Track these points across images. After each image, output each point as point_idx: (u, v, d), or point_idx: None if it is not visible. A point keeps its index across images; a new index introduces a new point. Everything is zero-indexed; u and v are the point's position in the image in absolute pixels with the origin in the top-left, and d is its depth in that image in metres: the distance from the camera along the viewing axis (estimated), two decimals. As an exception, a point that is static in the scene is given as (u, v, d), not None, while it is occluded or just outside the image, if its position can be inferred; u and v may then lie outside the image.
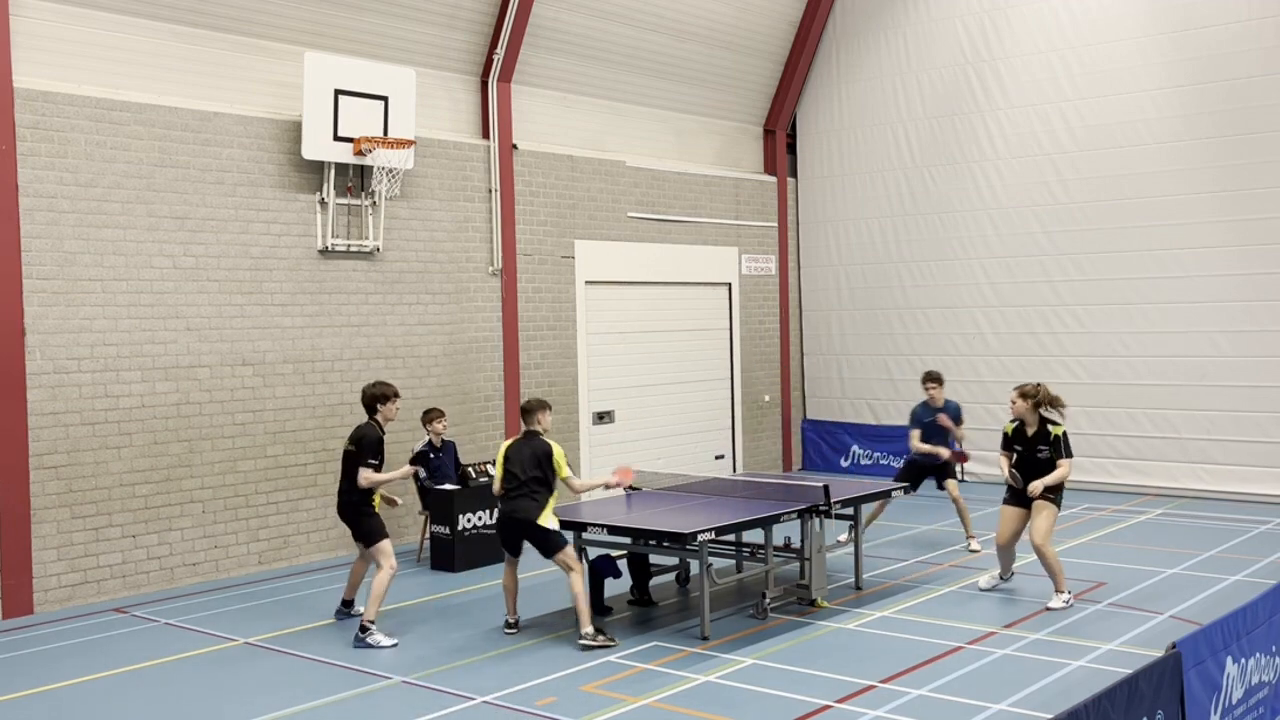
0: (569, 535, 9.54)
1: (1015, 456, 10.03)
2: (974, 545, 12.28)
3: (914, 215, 17.86)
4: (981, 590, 10.52)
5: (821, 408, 19.11)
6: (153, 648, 9.43)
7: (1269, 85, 14.63)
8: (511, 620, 9.56)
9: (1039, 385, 10.12)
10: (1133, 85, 15.67)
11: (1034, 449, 9.89)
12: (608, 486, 9.89)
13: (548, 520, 9.17)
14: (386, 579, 9.34)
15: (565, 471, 9.31)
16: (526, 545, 9.40)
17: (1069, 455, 9.84)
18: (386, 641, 9.20)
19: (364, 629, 9.23)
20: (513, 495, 9.24)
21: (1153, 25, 15.50)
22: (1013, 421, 10.13)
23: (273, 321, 12.44)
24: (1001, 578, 10.61)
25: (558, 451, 9.30)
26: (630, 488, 10.94)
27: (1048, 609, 9.80)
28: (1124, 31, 15.74)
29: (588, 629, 9.00)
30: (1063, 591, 9.91)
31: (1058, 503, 9.88)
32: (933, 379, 12.83)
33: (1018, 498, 10.03)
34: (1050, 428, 9.89)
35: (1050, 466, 9.77)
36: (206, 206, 11.94)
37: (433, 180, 13.91)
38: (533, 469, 9.19)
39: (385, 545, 9.48)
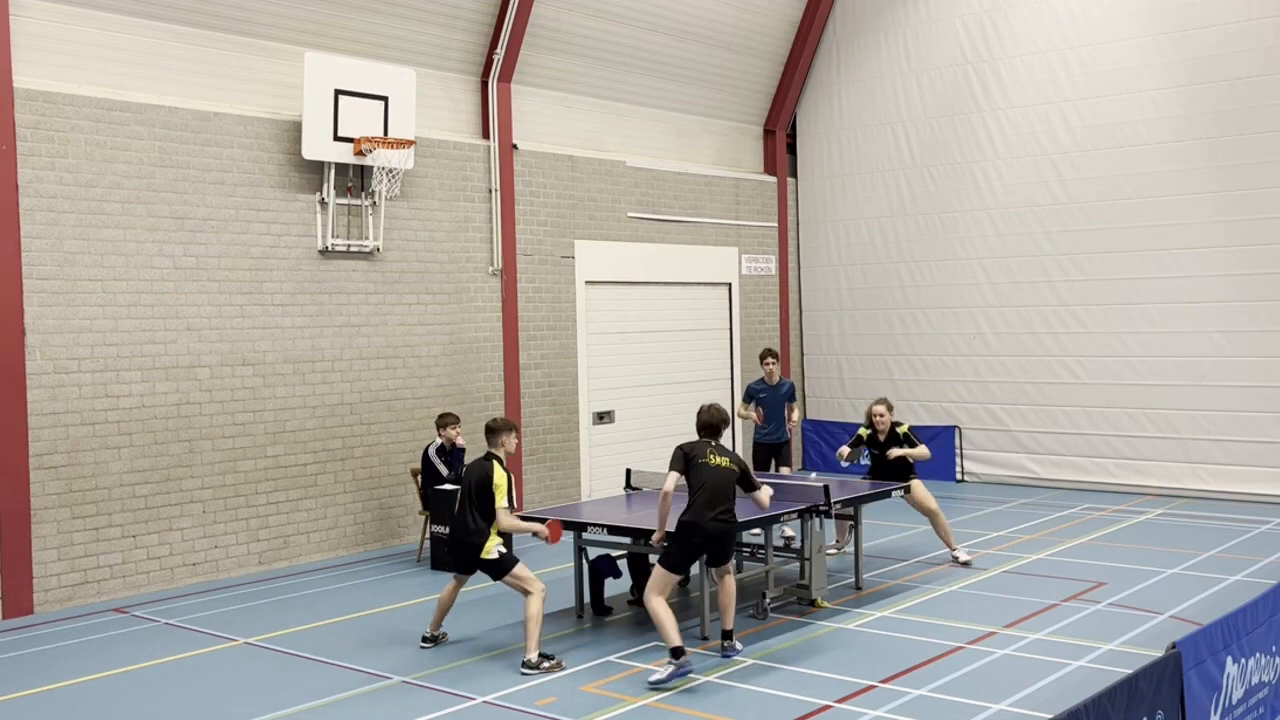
0: (568, 535, 9.53)
1: (868, 455, 11.95)
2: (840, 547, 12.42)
3: (914, 215, 17.86)
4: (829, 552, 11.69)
5: (821, 408, 19.11)
6: (153, 648, 9.43)
7: (1269, 85, 14.63)
8: (430, 634, 9.22)
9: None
10: (1133, 85, 15.67)
11: (885, 450, 11.70)
12: (535, 534, 9.07)
13: (490, 552, 8.67)
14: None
15: (501, 500, 8.65)
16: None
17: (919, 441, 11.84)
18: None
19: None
20: (458, 516, 8.85)
21: (1153, 25, 15.50)
22: (868, 429, 11.86)
23: (273, 321, 12.44)
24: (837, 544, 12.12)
25: (498, 477, 8.68)
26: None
27: (963, 563, 11.44)
28: (1124, 31, 15.74)
29: (532, 655, 8.49)
30: (956, 549, 11.63)
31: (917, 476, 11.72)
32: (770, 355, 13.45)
33: (882, 475, 11.79)
34: (897, 429, 11.74)
35: (900, 464, 11.63)
36: (206, 206, 11.94)
37: (433, 180, 13.91)
38: (476, 493, 8.73)
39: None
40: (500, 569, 8.73)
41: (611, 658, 8.75)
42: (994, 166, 16.98)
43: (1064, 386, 16.48)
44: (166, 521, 11.58)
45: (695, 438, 8.89)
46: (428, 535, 12.42)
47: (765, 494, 8.96)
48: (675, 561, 8.56)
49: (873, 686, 7.93)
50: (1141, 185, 15.62)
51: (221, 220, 12.06)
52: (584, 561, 10.03)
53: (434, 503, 12.17)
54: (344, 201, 12.99)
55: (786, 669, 8.38)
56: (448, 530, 9.16)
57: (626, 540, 9.63)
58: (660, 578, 8.49)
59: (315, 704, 7.92)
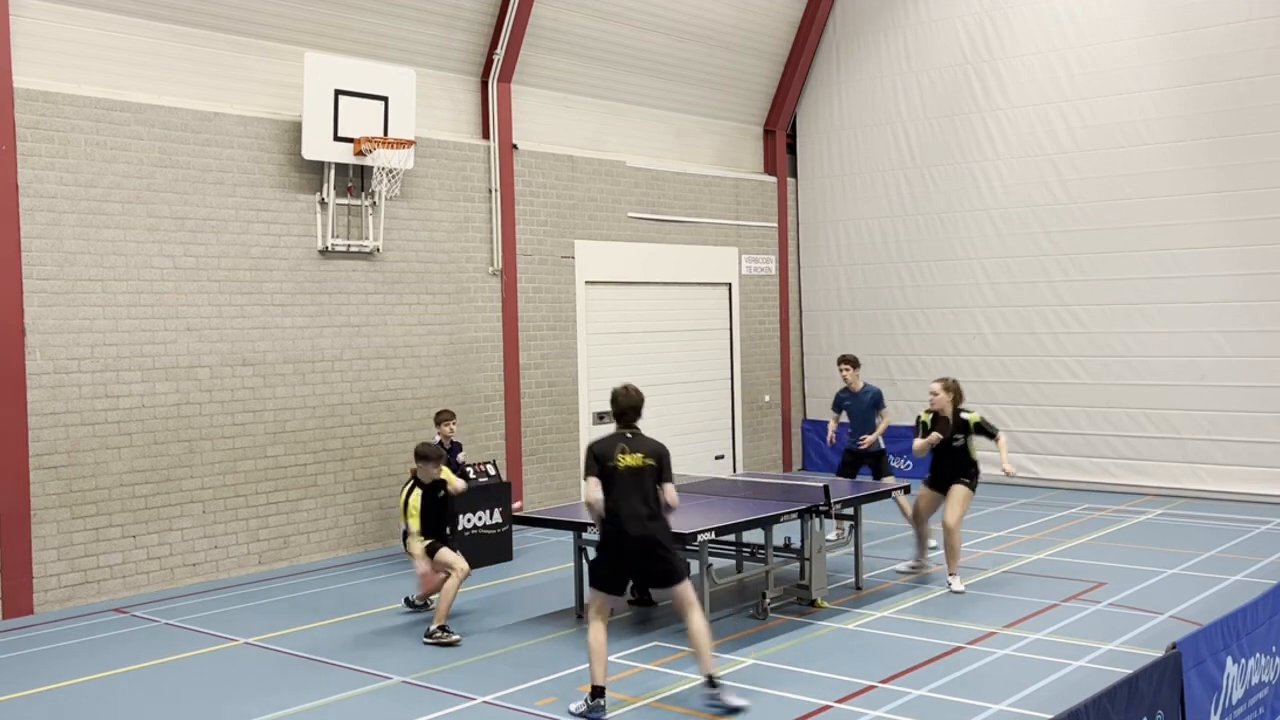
0: (568, 535, 9.52)
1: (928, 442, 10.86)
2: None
3: (914, 215, 17.86)
4: (900, 573, 11.27)
5: (822, 408, 19.08)
6: (153, 648, 9.43)
7: (1269, 85, 14.63)
8: (413, 598, 10.37)
9: (955, 379, 11.02)
10: (1133, 85, 15.67)
11: (950, 438, 10.72)
12: (417, 568, 9.55)
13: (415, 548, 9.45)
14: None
15: (413, 526, 9.46)
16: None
17: (997, 430, 10.92)
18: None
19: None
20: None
21: (1153, 25, 15.50)
22: (929, 412, 10.91)
23: (273, 321, 12.44)
24: (917, 559, 11.41)
25: (411, 503, 9.48)
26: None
27: (950, 590, 10.53)
28: (1124, 31, 15.74)
29: (435, 626, 9.36)
30: (955, 575, 10.67)
31: (972, 487, 10.75)
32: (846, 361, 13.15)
33: (936, 482, 10.89)
34: (965, 415, 10.77)
35: (964, 453, 10.70)
36: (206, 207, 11.94)
37: (433, 180, 13.91)
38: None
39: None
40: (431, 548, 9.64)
41: (611, 658, 8.73)
42: (994, 166, 16.98)
43: (1064, 386, 16.48)
44: (166, 521, 11.58)
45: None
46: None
47: (669, 492, 7.69)
48: (602, 578, 7.64)
49: (873, 686, 7.93)
50: (1141, 185, 15.62)
51: (221, 220, 12.06)
52: (584, 561, 10.01)
53: (434, 503, 12.17)
54: (344, 201, 12.99)
55: (786, 669, 8.37)
56: None
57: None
58: (593, 599, 7.71)
59: (315, 704, 7.92)
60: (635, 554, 7.54)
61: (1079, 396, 16.33)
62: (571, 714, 7.50)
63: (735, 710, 7.47)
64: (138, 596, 11.23)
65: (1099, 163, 15.97)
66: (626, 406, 7.86)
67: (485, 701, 7.86)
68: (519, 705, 7.76)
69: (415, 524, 9.41)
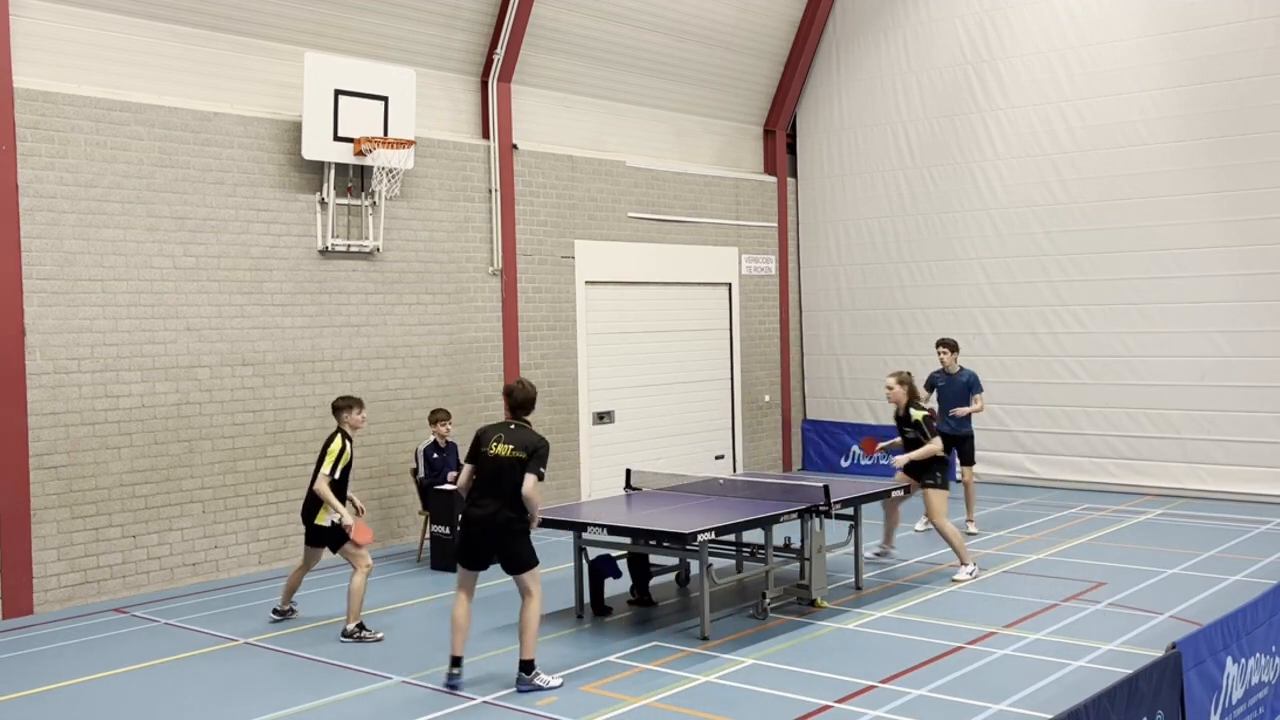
0: (567, 535, 9.52)
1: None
2: (972, 528, 12.71)
3: (914, 215, 17.86)
4: (871, 557, 11.63)
5: (821, 408, 19.11)
6: (153, 648, 9.43)
7: (1269, 85, 14.63)
8: (280, 608, 10.17)
9: (909, 372, 11.46)
10: (1133, 85, 15.67)
11: (902, 429, 11.24)
12: (339, 519, 9.36)
13: (323, 519, 9.39)
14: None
15: (325, 468, 9.34)
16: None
17: (933, 435, 11.06)
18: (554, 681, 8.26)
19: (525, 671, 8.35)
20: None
21: (1153, 25, 15.50)
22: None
23: (273, 321, 12.44)
24: (882, 545, 11.90)
25: (332, 446, 9.41)
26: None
27: (954, 580, 10.79)
28: (1124, 31, 15.74)
29: (351, 625, 9.35)
30: (966, 564, 10.93)
31: (941, 483, 11.01)
32: (944, 344, 13.46)
33: (907, 469, 11.22)
34: (912, 411, 11.12)
35: (917, 445, 11.03)
36: (206, 207, 11.94)
37: (433, 180, 13.91)
38: (317, 461, 9.53)
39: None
40: (334, 540, 9.46)
41: (611, 658, 8.74)
42: (994, 166, 16.98)
43: (1064, 386, 16.48)
44: (166, 521, 11.58)
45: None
46: (428, 535, 12.42)
47: (528, 484, 7.93)
48: (457, 555, 8.30)
49: (873, 686, 7.93)
50: (1141, 185, 15.62)
51: (221, 220, 12.06)
52: (584, 561, 10.02)
53: (434, 502, 12.18)
54: (344, 201, 12.99)
55: (786, 669, 8.37)
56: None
57: (626, 540, 9.63)
58: (458, 573, 8.31)
59: (315, 704, 7.92)
60: (479, 534, 8.08)
61: (1079, 396, 16.33)
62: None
63: (537, 689, 8.02)
64: (138, 596, 11.23)
65: (1099, 163, 15.97)
66: (521, 400, 8.29)
67: (485, 701, 7.87)
68: (519, 705, 7.76)
69: (327, 466, 9.32)
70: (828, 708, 7.56)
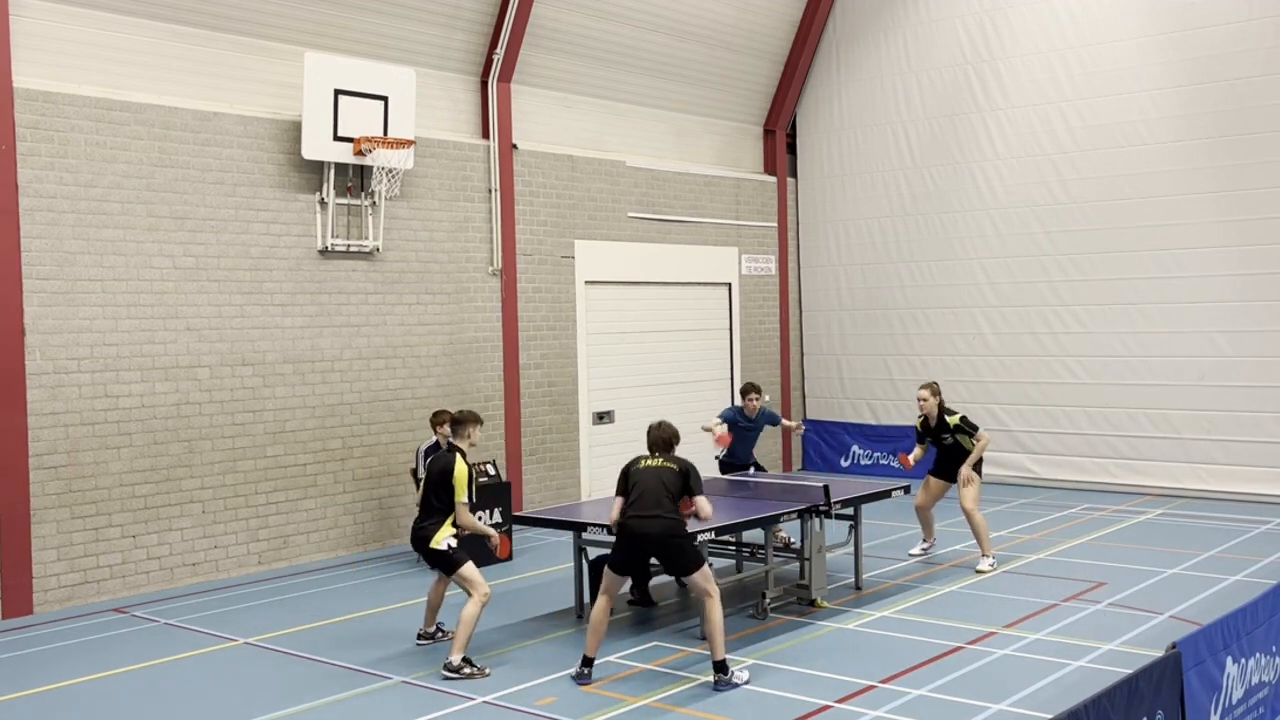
0: (567, 535, 9.52)
1: (926, 445, 11.77)
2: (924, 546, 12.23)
3: (914, 215, 17.86)
4: (911, 555, 11.84)
5: (821, 408, 19.11)
6: (153, 648, 9.43)
7: (1269, 85, 14.63)
8: (424, 630, 9.33)
9: (937, 383, 11.95)
10: (1133, 85, 15.67)
11: (939, 437, 11.55)
12: (488, 539, 8.96)
13: (439, 543, 8.60)
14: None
15: (462, 496, 8.61)
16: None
17: (978, 429, 11.52)
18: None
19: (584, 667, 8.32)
20: (421, 508, 8.89)
21: (1153, 25, 15.50)
22: (920, 417, 11.68)
23: (273, 321, 12.43)
24: (924, 542, 12.02)
25: (459, 471, 8.62)
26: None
27: (977, 571, 11.12)
28: (1124, 31, 15.74)
29: (455, 658, 8.40)
30: (988, 555, 11.28)
31: (978, 472, 11.43)
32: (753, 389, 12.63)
33: (940, 471, 11.71)
34: (947, 418, 11.47)
35: (956, 448, 11.44)
36: (206, 206, 11.94)
37: (433, 180, 13.90)
38: (437, 484, 8.69)
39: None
40: (449, 564, 8.68)
41: (612, 658, 8.74)
42: (994, 166, 16.98)
43: (1064, 386, 16.48)
44: (166, 521, 11.58)
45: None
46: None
47: (701, 505, 8.38)
48: (616, 563, 8.34)
49: (873, 686, 7.93)
50: (1141, 185, 15.62)
51: (221, 220, 12.06)
52: (584, 561, 10.02)
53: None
54: (344, 201, 12.99)
55: (786, 669, 8.37)
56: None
57: (626, 540, 9.60)
58: (604, 577, 8.40)
59: (315, 704, 7.92)
60: (644, 541, 8.30)
61: (1079, 396, 16.33)
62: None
63: (733, 687, 8.04)
64: (137, 596, 11.23)
65: (1099, 163, 15.97)
66: (659, 439, 8.70)
67: (485, 701, 7.86)
68: (519, 705, 7.76)
69: (463, 494, 8.61)
70: (828, 708, 7.55)
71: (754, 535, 10.38)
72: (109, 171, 11.24)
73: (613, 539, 9.55)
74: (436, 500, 8.70)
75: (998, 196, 16.96)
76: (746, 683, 8.03)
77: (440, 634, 9.31)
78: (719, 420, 12.07)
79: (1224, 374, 15.11)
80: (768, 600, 9.83)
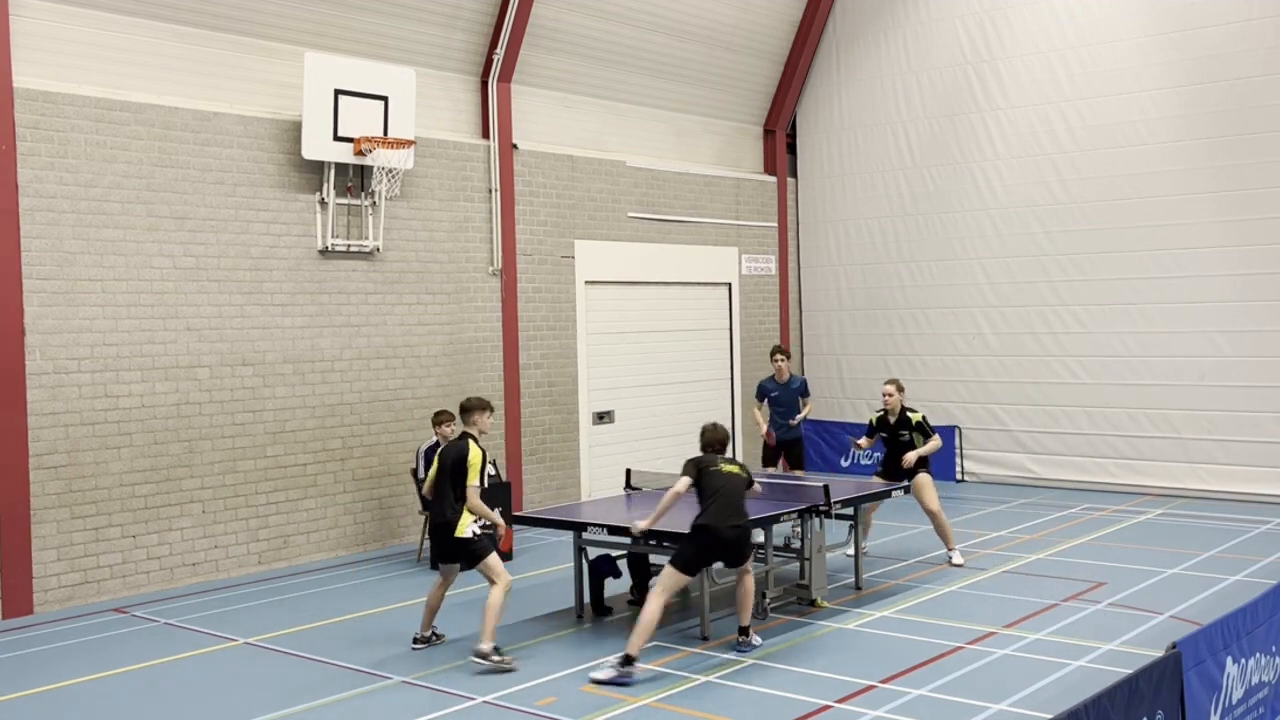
0: (567, 535, 9.51)
1: (882, 440, 11.93)
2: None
3: (914, 215, 17.86)
4: (849, 556, 11.38)
5: (821, 408, 19.07)
6: (153, 648, 9.43)
7: (1269, 85, 14.63)
8: (421, 635, 9.16)
9: (900, 380, 12.16)
10: (1133, 85, 15.67)
11: (897, 434, 11.69)
12: (494, 525, 8.85)
13: (464, 530, 8.61)
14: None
15: (473, 480, 8.60)
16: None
17: (935, 432, 11.80)
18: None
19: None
20: (437, 499, 8.84)
21: (1153, 25, 15.50)
22: (880, 412, 11.88)
23: (273, 321, 12.44)
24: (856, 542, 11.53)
25: (473, 455, 8.63)
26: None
27: (952, 564, 11.45)
28: (1124, 31, 15.74)
29: (486, 645, 8.43)
30: (954, 549, 11.64)
31: (931, 473, 11.70)
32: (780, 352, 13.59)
33: (888, 472, 11.77)
34: (910, 414, 11.69)
35: (909, 447, 11.54)
36: (206, 206, 11.94)
37: (433, 180, 13.91)
38: (452, 472, 8.70)
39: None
40: (473, 553, 8.67)
41: (612, 658, 8.73)
42: (994, 166, 16.98)
43: (1064, 386, 16.48)
44: (166, 521, 11.58)
45: (695, 437, 9.13)
46: (428, 535, 12.39)
47: (758, 488, 9.33)
48: (689, 563, 8.58)
49: (873, 686, 7.93)
50: (1141, 185, 15.62)
51: (221, 220, 12.06)
52: (584, 561, 10.02)
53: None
54: (344, 201, 12.99)
55: (786, 669, 8.37)
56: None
57: (626, 540, 9.61)
58: (671, 578, 8.52)
59: (315, 704, 7.92)
60: (728, 545, 8.70)
61: (1079, 396, 16.33)
62: (594, 679, 8.16)
63: (752, 648, 8.90)
64: (138, 596, 11.23)
65: (1099, 163, 15.97)
66: (715, 440, 9.04)
67: (485, 701, 7.86)
68: (519, 705, 7.76)
69: (475, 478, 8.58)
70: (828, 708, 7.55)
71: (753, 535, 10.36)
72: (109, 171, 11.24)
73: (611, 538, 9.58)
74: (454, 489, 8.69)
75: (998, 196, 16.96)
76: (757, 647, 8.80)
77: (435, 638, 9.28)
78: (762, 409, 13.26)
79: (1224, 374, 15.11)
80: (768, 600, 9.83)
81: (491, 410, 9.11)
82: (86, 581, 11.02)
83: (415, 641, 9.21)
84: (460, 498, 8.67)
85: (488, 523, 8.79)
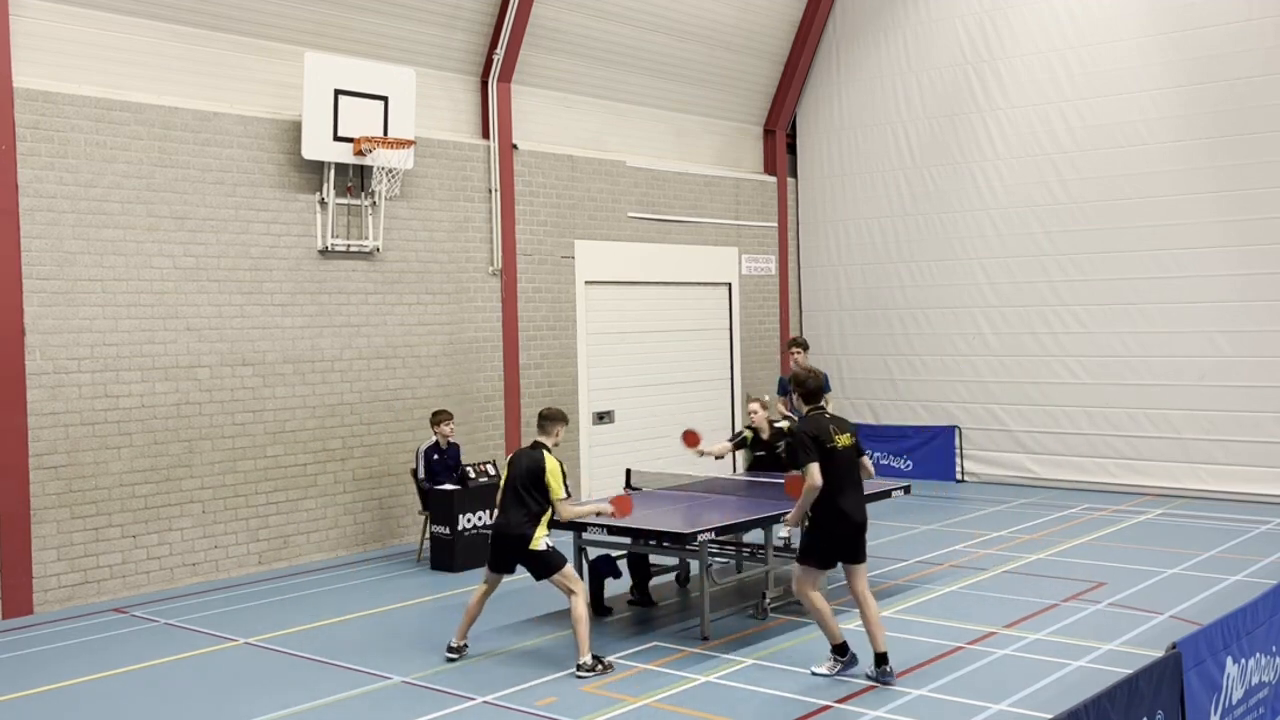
0: (567, 535, 9.50)
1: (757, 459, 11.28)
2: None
3: (914, 215, 17.86)
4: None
5: (821, 408, 19.08)
6: (153, 648, 9.43)
7: (1269, 85, 14.63)
8: (455, 644, 8.84)
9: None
10: (1133, 85, 15.67)
11: (773, 447, 11.09)
12: (599, 515, 8.91)
13: (539, 543, 8.45)
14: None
15: (560, 492, 8.43)
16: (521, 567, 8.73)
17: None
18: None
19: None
20: (505, 509, 8.60)
21: (1153, 25, 15.50)
22: (750, 430, 11.25)
23: (273, 321, 12.44)
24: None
25: (550, 465, 8.42)
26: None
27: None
28: (1124, 31, 15.74)
29: (585, 658, 8.31)
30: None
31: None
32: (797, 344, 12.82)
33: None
34: (779, 425, 11.12)
35: (782, 461, 10.83)
36: (206, 206, 11.94)
37: (433, 180, 13.91)
38: (528, 483, 8.46)
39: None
40: (548, 565, 8.50)
41: (611, 658, 8.73)
42: (994, 166, 16.98)
43: (1064, 386, 16.48)
44: (166, 521, 11.58)
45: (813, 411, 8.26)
46: (428, 535, 12.41)
47: (869, 466, 8.50)
48: (823, 555, 8.11)
49: (873, 687, 7.93)
50: (1141, 185, 15.62)
51: (221, 220, 12.06)
52: (584, 561, 10.02)
53: (434, 502, 12.18)
54: (344, 201, 12.99)
55: (786, 669, 8.37)
56: (492, 526, 8.95)
57: (626, 540, 9.62)
58: (808, 574, 8.12)
59: (315, 704, 7.92)
60: (859, 530, 8.13)
61: (1079, 396, 16.33)
62: (815, 672, 8.12)
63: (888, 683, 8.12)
64: (138, 596, 11.23)
65: (1099, 163, 15.97)
66: (818, 386, 8.26)
67: (485, 701, 7.86)
68: (519, 705, 7.76)
69: (561, 489, 8.45)
70: (828, 708, 7.55)
71: (754, 535, 10.36)
72: (109, 171, 11.24)
73: (611, 538, 9.56)
74: (531, 500, 8.45)
75: (998, 196, 16.96)
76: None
77: (464, 649, 8.91)
78: (784, 401, 12.38)
79: (1224, 374, 15.11)
80: (768, 600, 9.83)
81: (567, 422, 8.93)
82: (86, 581, 11.02)
83: (450, 650, 8.83)
84: (538, 510, 8.46)
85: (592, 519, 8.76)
